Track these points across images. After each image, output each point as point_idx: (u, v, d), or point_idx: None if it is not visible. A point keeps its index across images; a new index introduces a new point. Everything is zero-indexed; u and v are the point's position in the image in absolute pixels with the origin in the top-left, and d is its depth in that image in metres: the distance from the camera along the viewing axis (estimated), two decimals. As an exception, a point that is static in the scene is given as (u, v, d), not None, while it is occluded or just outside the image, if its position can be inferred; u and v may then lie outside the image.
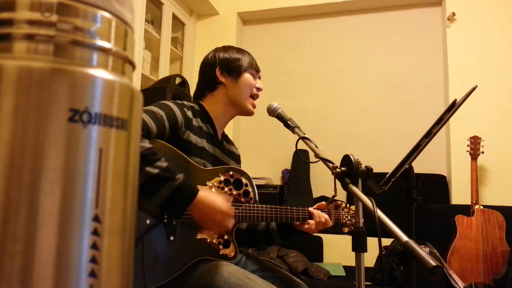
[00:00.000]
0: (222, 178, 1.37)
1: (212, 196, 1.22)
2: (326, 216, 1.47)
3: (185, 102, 1.44)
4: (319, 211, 1.46)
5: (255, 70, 1.51)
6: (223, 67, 1.48)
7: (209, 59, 1.52)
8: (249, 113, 1.52)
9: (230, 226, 1.25)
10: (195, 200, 1.18)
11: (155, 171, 1.12)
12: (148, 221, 1.22)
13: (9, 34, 0.36)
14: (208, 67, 1.52)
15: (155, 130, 1.25)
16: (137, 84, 2.74)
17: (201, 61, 1.56)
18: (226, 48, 1.53)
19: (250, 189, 1.40)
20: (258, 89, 1.51)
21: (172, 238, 1.24)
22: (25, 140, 0.35)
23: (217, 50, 1.53)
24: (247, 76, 1.48)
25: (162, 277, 1.20)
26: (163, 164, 1.15)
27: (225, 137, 1.59)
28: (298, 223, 1.46)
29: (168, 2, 3.22)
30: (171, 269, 1.22)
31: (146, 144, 1.16)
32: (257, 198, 1.41)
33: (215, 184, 1.35)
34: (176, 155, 1.30)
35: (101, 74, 0.39)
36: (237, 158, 1.61)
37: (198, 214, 1.20)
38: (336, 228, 1.57)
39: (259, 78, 1.55)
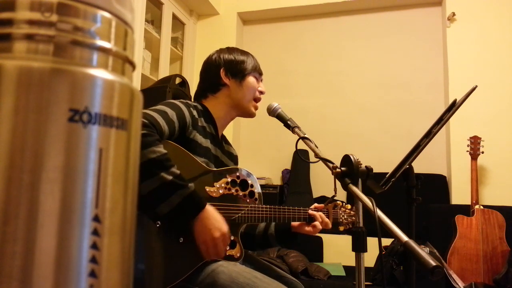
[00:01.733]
0: (229, 179, 1.37)
1: (218, 214, 1.23)
2: (326, 219, 1.50)
3: (189, 102, 1.43)
4: (321, 213, 1.49)
5: (258, 73, 1.52)
6: (228, 69, 1.47)
7: (213, 60, 1.50)
8: (251, 116, 1.53)
9: (222, 253, 1.24)
10: (202, 212, 1.18)
11: (169, 177, 1.13)
12: (158, 223, 1.22)
13: (9, 34, 0.36)
14: (212, 68, 1.50)
15: (167, 131, 1.25)
16: (137, 84, 2.74)
17: (204, 62, 1.54)
18: (230, 50, 1.52)
19: (255, 190, 1.41)
20: (261, 92, 1.52)
21: (181, 240, 1.24)
22: (25, 140, 0.35)
23: (221, 51, 1.52)
24: (251, 79, 1.48)
25: (171, 278, 1.19)
26: (177, 171, 1.16)
27: (223, 138, 1.59)
28: (296, 225, 1.49)
29: (168, 2, 3.22)
30: (180, 271, 1.21)
31: (162, 149, 1.16)
32: (261, 197, 1.43)
33: (222, 185, 1.35)
34: (185, 156, 1.30)
35: (101, 74, 0.39)
36: (235, 159, 1.61)
37: (200, 227, 1.19)
38: (335, 228, 1.59)
39: (261, 80, 1.56)
